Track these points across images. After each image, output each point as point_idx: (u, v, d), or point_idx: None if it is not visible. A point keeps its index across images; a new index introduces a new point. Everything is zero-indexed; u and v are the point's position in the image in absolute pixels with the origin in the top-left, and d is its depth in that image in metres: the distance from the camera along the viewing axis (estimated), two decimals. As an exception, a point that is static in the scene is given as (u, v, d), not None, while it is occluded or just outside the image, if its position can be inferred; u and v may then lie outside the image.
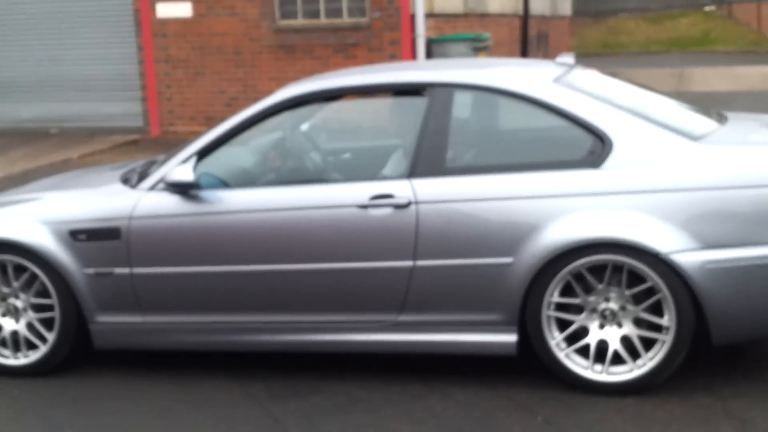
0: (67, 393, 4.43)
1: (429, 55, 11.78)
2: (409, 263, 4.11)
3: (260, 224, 4.26)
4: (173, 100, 12.61)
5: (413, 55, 11.61)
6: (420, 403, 4.08)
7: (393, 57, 11.61)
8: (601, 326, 4.05)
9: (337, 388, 4.28)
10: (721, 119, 4.62)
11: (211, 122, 12.09)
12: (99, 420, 4.11)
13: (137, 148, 12.08)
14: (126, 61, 12.85)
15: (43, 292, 4.54)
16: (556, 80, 4.32)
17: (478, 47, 11.88)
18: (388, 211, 4.12)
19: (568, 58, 4.91)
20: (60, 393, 4.44)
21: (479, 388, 4.19)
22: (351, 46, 11.76)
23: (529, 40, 16.36)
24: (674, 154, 3.98)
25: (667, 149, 4.00)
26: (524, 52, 16.19)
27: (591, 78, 4.67)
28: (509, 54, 15.18)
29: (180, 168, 4.29)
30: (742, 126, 4.63)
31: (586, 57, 24.93)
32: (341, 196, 4.21)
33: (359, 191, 4.19)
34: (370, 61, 11.52)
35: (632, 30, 30.64)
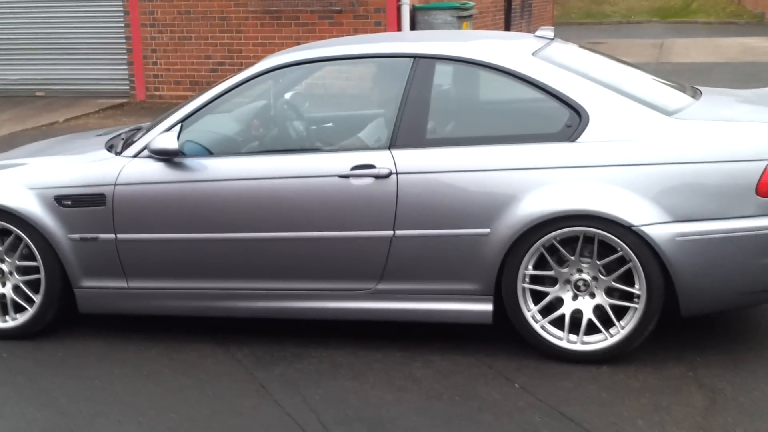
0: (56, 356, 4.53)
1: (413, 22, 11.80)
2: (389, 233, 4.20)
3: (242, 192, 4.33)
4: (159, 65, 12.58)
5: (398, 23, 11.63)
6: (401, 369, 4.20)
7: (378, 24, 11.63)
8: (575, 297, 4.16)
9: (321, 354, 4.39)
10: (695, 94, 4.70)
11: (197, 87, 12.12)
12: (87, 383, 4.19)
13: (123, 112, 12.08)
14: (112, 24, 12.80)
15: (29, 256, 4.61)
16: (535, 53, 4.39)
17: (463, 15, 11.90)
18: (368, 181, 4.20)
19: (547, 32, 4.95)
20: (48, 356, 4.53)
21: (459, 356, 4.31)
22: (336, 13, 11.75)
23: (512, 9, 16.35)
24: (648, 128, 4.06)
25: (642, 124, 4.07)
26: (507, 21, 16.21)
27: (569, 52, 4.74)
28: (493, 23, 15.21)
29: (163, 136, 4.36)
30: (715, 101, 4.69)
31: (568, 26, 25.01)
32: (323, 166, 4.28)
33: (341, 161, 4.25)
34: (356, 28, 11.54)
35: (615, 0, 30.66)
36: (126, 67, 12.83)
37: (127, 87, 12.89)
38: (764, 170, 3.90)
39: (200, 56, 12.39)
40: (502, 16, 16.09)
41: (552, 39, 4.86)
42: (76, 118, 11.58)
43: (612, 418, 3.70)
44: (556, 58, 4.44)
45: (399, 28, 11.61)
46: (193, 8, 12.26)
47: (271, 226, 4.31)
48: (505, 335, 4.38)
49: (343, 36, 10.17)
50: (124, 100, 12.72)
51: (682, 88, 4.77)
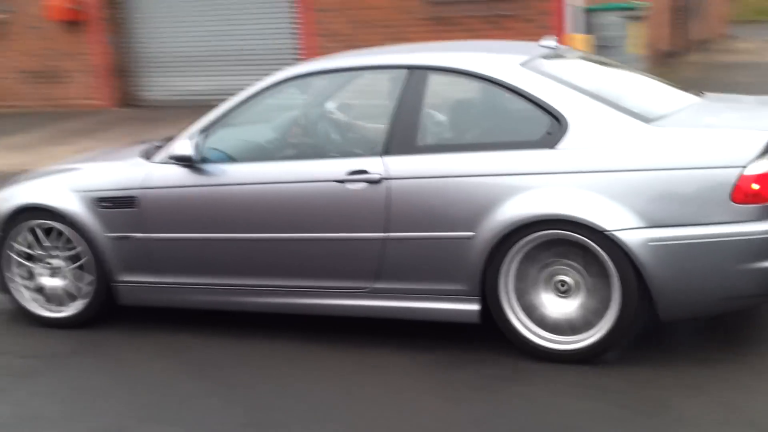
0: (109, 345, 4.95)
1: (581, 24, 11.66)
2: (381, 235, 4.42)
3: (251, 196, 4.68)
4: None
5: (565, 25, 11.52)
6: (590, 378, 4.12)
7: (543, 27, 11.55)
8: (556, 298, 4.28)
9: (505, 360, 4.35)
10: (694, 100, 4.78)
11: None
12: (286, 386, 4.28)
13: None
14: (282, 35, 13.27)
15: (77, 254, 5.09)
16: (524, 64, 4.50)
17: (632, 16, 11.68)
18: (362, 185, 4.44)
19: (550, 41, 5.05)
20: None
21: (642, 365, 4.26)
22: (504, 18, 11.76)
23: (684, 7, 15.89)
24: (625, 135, 4.14)
25: (619, 131, 4.16)
26: (679, 20, 15.73)
27: (564, 62, 4.90)
28: (660, 24, 14.78)
29: (181, 143, 4.76)
30: (708, 108, 4.74)
31: (738, 24, 23.97)
32: (322, 172, 4.56)
33: (338, 167, 4.52)
34: (523, 32, 11.49)
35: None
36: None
37: (298, 96, 13.29)
38: (739, 177, 3.91)
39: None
40: (673, 16, 15.67)
41: (553, 48, 4.96)
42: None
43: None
44: (546, 68, 4.54)
45: (564, 31, 11.50)
46: (362, 17, 12.54)
47: (277, 227, 4.63)
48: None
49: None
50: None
51: (682, 95, 4.83)
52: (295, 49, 13.08)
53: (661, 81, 5.09)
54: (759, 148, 3.95)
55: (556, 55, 4.89)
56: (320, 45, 12.70)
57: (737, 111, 4.82)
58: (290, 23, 13.13)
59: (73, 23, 14.23)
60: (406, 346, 4.58)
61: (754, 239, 3.92)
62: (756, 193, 3.91)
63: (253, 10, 13.49)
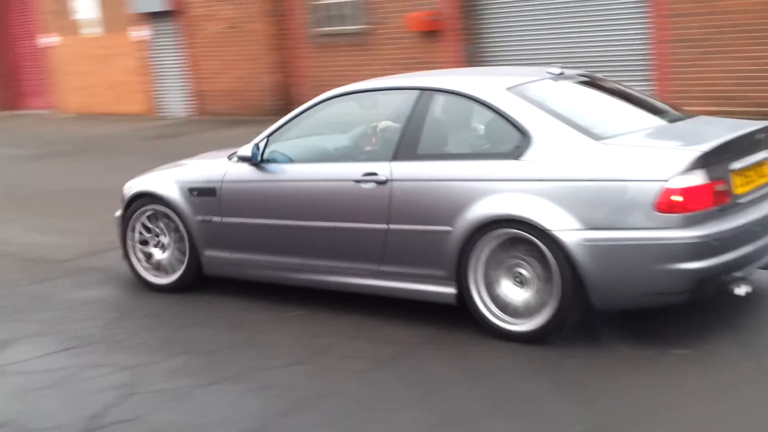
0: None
1: None
2: (384, 226, 5.35)
3: (294, 191, 5.79)
4: (682, 80, 12.45)
5: None
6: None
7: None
8: (513, 286, 5.03)
9: None
10: (674, 121, 5.52)
11: (718, 102, 11.79)
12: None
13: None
14: (632, 42, 12.99)
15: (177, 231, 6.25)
16: (510, 88, 5.30)
17: None
18: (372, 185, 5.39)
19: (555, 69, 5.77)
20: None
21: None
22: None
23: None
24: (575, 150, 4.89)
25: (571, 147, 4.92)
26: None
27: (556, 86, 5.60)
28: None
29: (246, 147, 5.95)
30: (670, 128, 5.45)
31: None
32: (345, 172, 5.56)
33: (356, 169, 5.51)
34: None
35: None
36: (646, 83, 12.94)
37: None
38: (661, 190, 4.59)
39: (725, 70, 12.03)
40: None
41: (557, 75, 5.67)
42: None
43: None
44: (531, 91, 5.32)
45: None
46: (718, 23, 11.94)
47: (310, 216, 5.67)
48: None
49: None
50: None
51: (652, 117, 5.57)
52: (646, 55, 12.76)
53: (648, 102, 5.84)
54: (682, 165, 4.60)
55: (556, 79, 5.63)
56: (672, 52, 12.29)
57: (690, 133, 5.32)
58: (642, 30, 12.81)
59: (430, 33, 14.96)
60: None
61: (673, 244, 4.58)
62: (677, 204, 4.59)
63: (605, 17, 13.30)
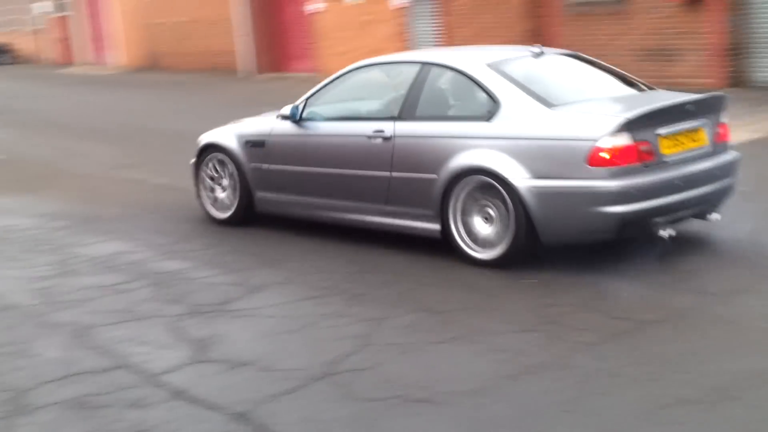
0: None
1: None
2: (388, 174, 6.61)
3: (322, 143, 7.09)
4: None
5: None
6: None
7: None
8: (483, 223, 6.17)
9: None
10: (632, 93, 6.59)
11: None
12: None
13: None
14: None
15: (234, 175, 7.59)
16: (490, 64, 6.44)
17: None
18: (380, 141, 6.64)
19: (535, 48, 6.89)
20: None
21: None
22: None
23: None
24: (530, 115, 6.04)
25: (528, 112, 6.06)
26: None
27: (533, 62, 6.70)
28: None
29: (287, 107, 7.28)
30: (620, 98, 6.42)
31: None
32: (360, 129, 6.83)
33: (369, 127, 6.76)
34: None
35: None
36: None
37: None
38: (592, 148, 5.68)
39: None
40: None
41: (538, 53, 6.80)
42: None
43: None
44: (507, 67, 6.44)
45: None
46: None
47: (335, 164, 6.92)
48: None
49: None
50: None
51: (609, 88, 6.68)
52: None
53: (619, 77, 6.86)
54: (610, 128, 5.69)
55: (536, 56, 6.76)
56: None
57: (631, 103, 6.17)
58: None
59: (693, 3, 14.31)
60: None
61: (600, 192, 5.67)
62: (605, 160, 5.67)
63: None
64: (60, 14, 37.73)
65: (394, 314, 5.40)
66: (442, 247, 6.44)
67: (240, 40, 25.37)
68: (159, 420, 4.14)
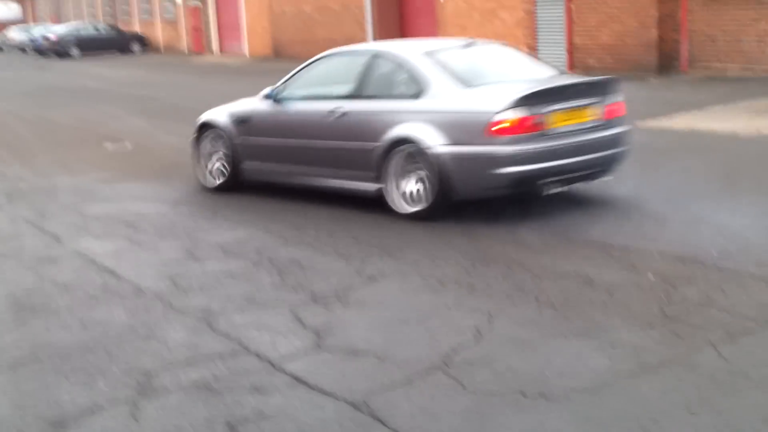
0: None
1: None
2: (342, 143, 8.08)
3: (294, 119, 8.59)
4: None
5: None
6: None
7: None
8: (412, 183, 7.60)
9: None
10: (542, 77, 8.00)
11: None
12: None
13: None
14: None
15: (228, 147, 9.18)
16: (426, 53, 7.98)
17: None
18: (336, 116, 8.11)
19: (469, 40, 8.74)
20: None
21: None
22: None
23: None
24: (449, 94, 7.54)
25: (447, 91, 7.55)
26: None
27: (464, 52, 8.34)
28: None
29: (267, 88, 8.80)
30: (531, 79, 7.84)
31: None
32: (321, 108, 8.31)
33: (328, 105, 8.25)
34: None
35: None
36: None
37: None
38: (491, 119, 7.12)
39: None
40: None
41: (467, 44, 8.52)
42: None
43: None
44: (440, 56, 7.94)
45: None
46: None
47: (304, 136, 8.41)
48: None
49: None
50: None
51: (531, 74, 8.10)
52: None
53: (537, 64, 8.50)
54: (507, 102, 7.09)
55: (467, 46, 8.43)
56: None
57: (533, 84, 7.49)
58: None
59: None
60: None
61: (497, 155, 7.11)
62: (501, 129, 7.08)
63: None
64: (192, 4, 38.88)
65: (510, 307, 5.37)
66: (561, 240, 6.32)
67: (363, 28, 25.56)
68: (277, 406, 4.24)
